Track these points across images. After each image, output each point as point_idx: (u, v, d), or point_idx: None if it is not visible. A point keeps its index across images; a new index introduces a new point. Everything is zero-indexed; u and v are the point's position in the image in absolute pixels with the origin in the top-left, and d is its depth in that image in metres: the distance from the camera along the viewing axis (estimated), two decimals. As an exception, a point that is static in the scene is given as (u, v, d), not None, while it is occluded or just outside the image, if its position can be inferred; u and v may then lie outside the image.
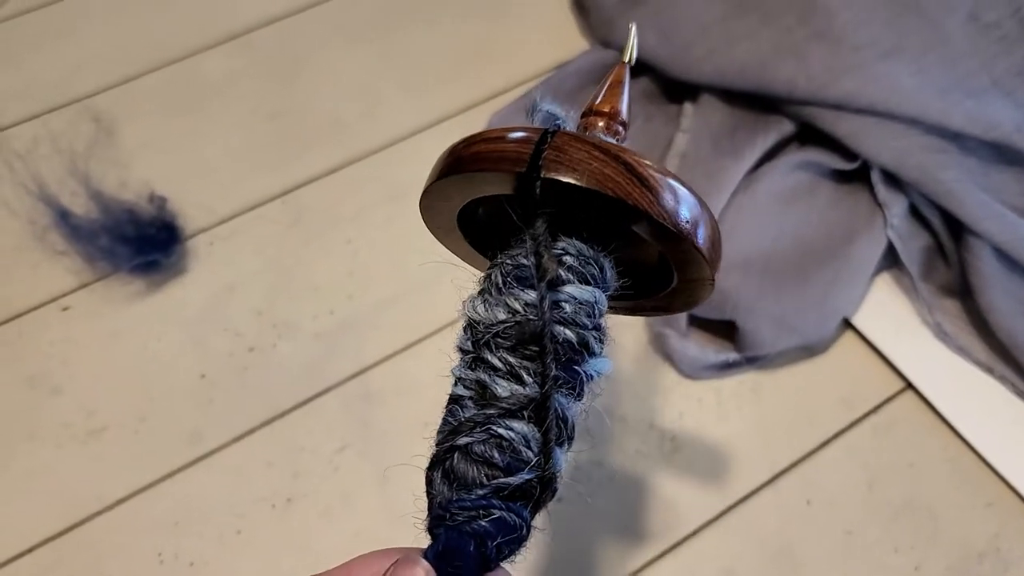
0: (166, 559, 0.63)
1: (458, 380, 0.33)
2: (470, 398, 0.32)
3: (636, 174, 0.30)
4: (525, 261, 0.33)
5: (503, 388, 0.32)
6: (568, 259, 0.33)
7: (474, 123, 0.86)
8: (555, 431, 0.32)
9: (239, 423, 0.69)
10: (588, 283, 0.33)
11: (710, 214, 0.33)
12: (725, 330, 0.72)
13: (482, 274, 0.35)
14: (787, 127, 0.77)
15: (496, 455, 0.31)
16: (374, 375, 0.71)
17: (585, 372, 0.34)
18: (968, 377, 0.70)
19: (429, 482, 0.32)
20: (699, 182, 0.74)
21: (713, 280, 0.35)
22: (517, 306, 0.32)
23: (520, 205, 0.32)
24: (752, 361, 0.71)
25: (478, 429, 0.31)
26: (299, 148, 0.86)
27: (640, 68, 0.85)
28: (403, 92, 0.89)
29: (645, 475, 0.67)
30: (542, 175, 0.30)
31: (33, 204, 0.78)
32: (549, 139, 0.31)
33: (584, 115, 0.38)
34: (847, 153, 0.76)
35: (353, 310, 0.75)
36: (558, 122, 0.33)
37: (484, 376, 0.32)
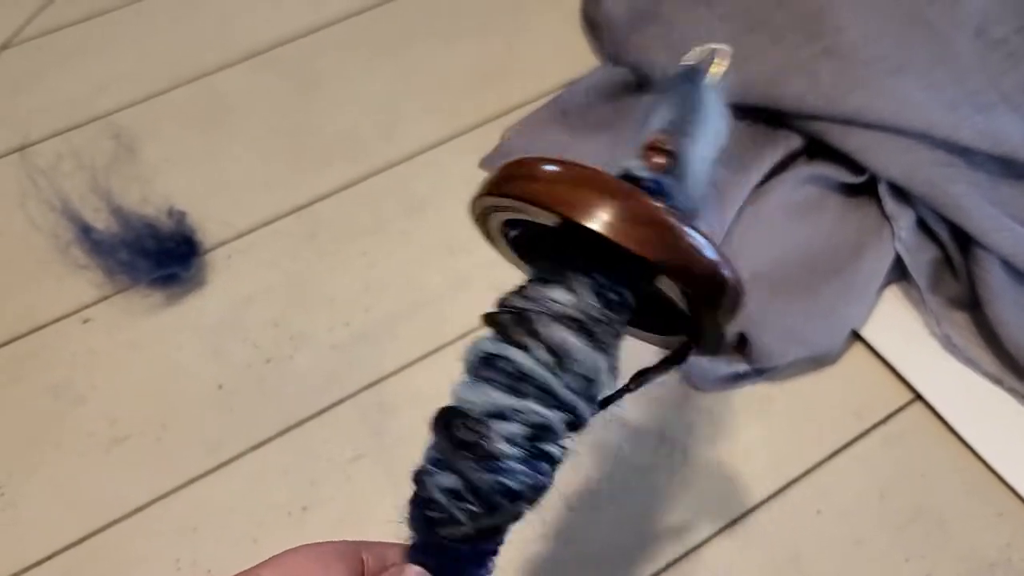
0: (183, 566, 0.64)
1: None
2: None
3: (722, 279, 0.32)
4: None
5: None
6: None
7: (489, 138, 0.88)
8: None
9: (256, 432, 0.70)
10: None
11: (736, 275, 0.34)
12: (735, 342, 0.73)
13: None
14: (795, 141, 0.78)
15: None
16: (389, 386, 0.72)
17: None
18: (977, 389, 0.71)
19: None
20: (709, 195, 0.75)
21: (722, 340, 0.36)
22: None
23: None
24: (762, 373, 0.72)
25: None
26: (316, 163, 0.87)
27: (650, 84, 0.86)
28: (419, 108, 0.91)
29: (655, 486, 0.68)
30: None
31: (56, 219, 0.79)
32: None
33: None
34: (855, 167, 0.77)
35: (369, 322, 0.76)
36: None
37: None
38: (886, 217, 0.75)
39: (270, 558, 0.32)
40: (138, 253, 0.77)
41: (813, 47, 0.79)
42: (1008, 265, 0.71)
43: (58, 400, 0.72)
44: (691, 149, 0.34)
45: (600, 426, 0.72)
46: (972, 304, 0.73)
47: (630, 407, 0.71)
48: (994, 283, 0.70)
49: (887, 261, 0.74)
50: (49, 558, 0.65)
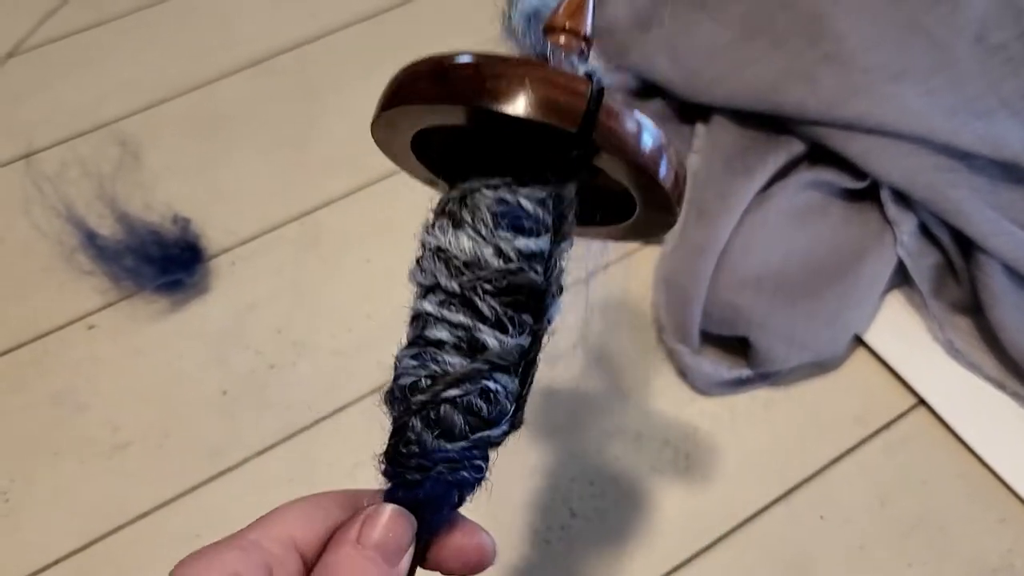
0: (188, 572, 0.64)
1: (432, 319, 0.32)
2: (454, 345, 0.31)
3: (663, 150, 0.30)
4: (511, 200, 0.31)
5: (491, 339, 0.31)
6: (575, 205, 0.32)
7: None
8: (531, 383, 0.32)
9: (259, 439, 0.70)
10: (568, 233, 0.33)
11: (674, 152, 0.32)
12: (738, 347, 0.73)
13: (449, 196, 0.33)
14: (797, 147, 0.78)
15: (484, 408, 0.31)
16: (392, 392, 0.73)
17: (549, 319, 0.33)
18: (980, 393, 0.71)
19: (405, 429, 0.31)
20: (711, 201, 0.76)
21: (675, 217, 0.34)
22: (511, 253, 0.31)
23: (545, 155, 0.30)
24: (765, 377, 0.72)
25: (470, 382, 0.31)
26: (319, 170, 0.88)
27: (653, 91, 0.87)
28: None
29: (659, 491, 0.68)
30: (594, 141, 0.28)
31: (61, 226, 0.80)
32: (597, 98, 0.29)
33: (552, 30, 0.34)
34: (857, 172, 0.77)
35: (371, 329, 0.76)
36: (599, 78, 0.30)
37: (468, 321, 0.31)
38: (888, 222, 0.75)
39: (260, 517, 0.31)
40: (142, 260, 0.77)
41: (814, 53, 0.79)
42: (1010, 270, 0.71)
43: (61, 406, 0.72)
44: None
45: (602, 432, 0.72)
46: (974, 309, 0.73)
47: (634, 413, 0.71)
48: (996, 288, 0.70)
49: (889, 266, 0.74)
50: (52, 565, 0.65)
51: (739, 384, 0.72)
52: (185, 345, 0.76)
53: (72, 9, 1.03)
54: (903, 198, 0.75)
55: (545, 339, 0.33)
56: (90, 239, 0.78)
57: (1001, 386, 0.70)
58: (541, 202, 0.31)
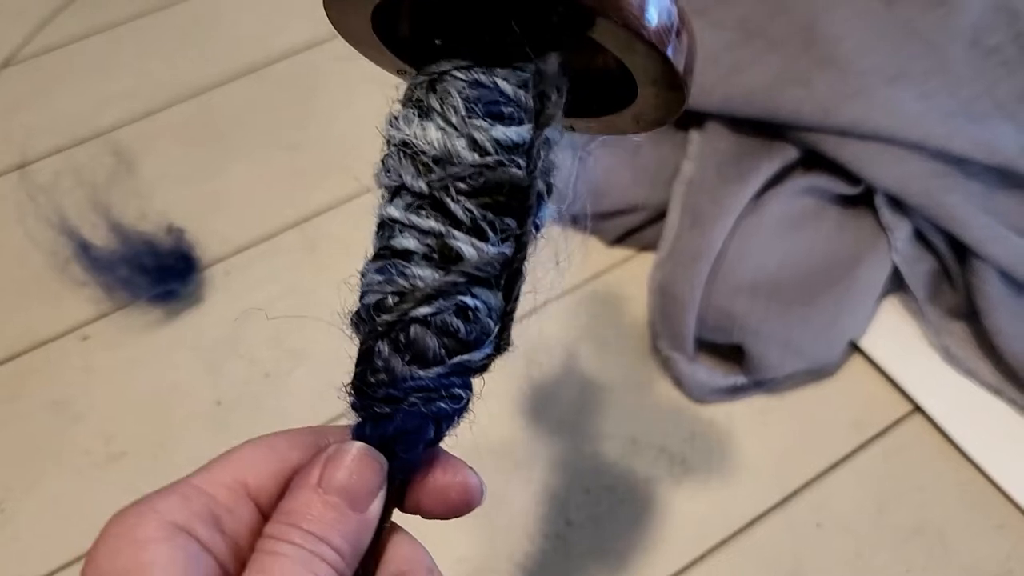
0: (183, 584, 0.64)
1: (399, 226, 0.28)
2: (424, 256, 0.27)
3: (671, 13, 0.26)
4: (488, 83, 0.27)
5: (467, 247, 0.27)
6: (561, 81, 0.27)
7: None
8: (518, 298, 0.28)
9: (254, 449, 0.70)
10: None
11: (685, 15, 0.28)
12: (733, 354, 0.73)
13: (413, 81, 0.28)
14: (792, 153, 0.78)
15: (462, 327, 0.27)
16: (387, 401, 0.72)
17: (539, 222, 0.29)
18: (977, 399, 0.71)
19: (371, 354, 0.28)
20: (705, 207, 0.75)
21: (686, 94, 0.29)
22: (488, 145, 0.26)
23: (519, 23, 0.26)
24: (760, 384, 0.72)
25: (443, 298, 0.27)
26: (314, 178, 0.87)
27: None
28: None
29: (655, 499, 0.68)
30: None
31: (55, 236, 0.80)
32: None
33: None
34: (851, 178, 0.77)
35: (366, 337, 0.76)
36: None
37: (440, 227, 0.27)
38: (883, 228, 0.75)
39: (206, 465, 0.28)
40: (137, 270, 0.77)
41: (809, 57, 0.79)
42: (1005, 275, 0.71)
43: (56, 417, 0.72)
44: None
45: (598, 439, 0.72)
46: (970, 314, 0.73)
47: (630, 420, 0.71)
48: (992, 293, 0.70)
49: (885, 272, 0.74)
50: (48, 575, 0.65)
51: (735, 391, 0.72)
52: (179, 355, 0.76)
53: (67, 19, 1.03)
54: (898, 204, 0.75)
55: (532, 248, 0.29)
56: (84, 250, 0.78)
57: (998, 392, 0.70)
58: (523, 84, 0.27)
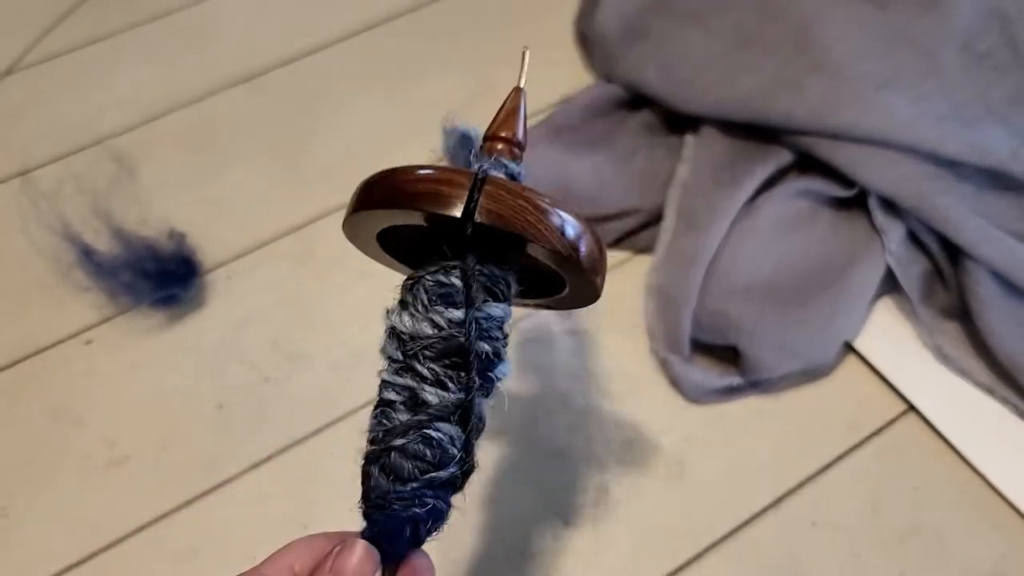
0: (185, 585, 0.65)
1: (387, 384, 0.38)
2: (402, 403, 0.37)
3: (547, 218, 0.35)
4: (446, 281, 0.37)
5: (432, 396, 0.36)
6: (482, 279, 0.38)
7: (482, 157, 0.89)
8: (476, 430, 0.37)
9: (255, 452, 0.71)
10: (498, 300, 0.38)
11: (592, 233, 0.37)
12: (728, 355, 0.74)
13: (403, 284, 0.40)
14: (785, 156, 0.79)
15: (428, 453, 0.36)
16: (386, 404, 0.73)
17: (496, 376, 0.39)
18: (970, 399, 0.71)
19: (367, 475, 0.37)
20: (700, 211, 0.76)
21: (598, 287, 0.40)
22: (443, 323, 0.37)
23: (446, 239, 0.37)
24: (756, 385, 0.72)
25: (412, 432, 0.36)
26: (313, 183, 0.88)
27: (642, 101, 0.87)
28: (412, 128, 0.92)
29: (651, 499, 0.68)
30: (476, 220, 0.34)
31: (58, 243, 0.80)
32: (480, 185, 0.35)
33: (487, 139, 0.42)
34: (845, 180, 0.77)
35: (366, 341, 0.77)
36: (483, 167, 0.37)
37: (413, 383, 0.37)
38: (876, 230, 0.76)
39: (269, 556, 0.37)
40: (139, 275, 0.78)
41: (802, 62, 0.80)
42: (997, 276, 0.71)
43: (58, 422, 0.73)
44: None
45: (594, 441, 0.73)
46: (963, 315, 0.73)
47: (626, 421, 0.72)
48: (984, 294, 0.71)
49: (878, 273, 0.75)
50: (51, 579, 0.65)
51: (730, 392, 0.72)
52: (181, 359, 0.77)
53: (68, 27, 1.04)
54: (891, 206, 0.76)
55: (484, 393, 0.38)
56: (86, 255, 0.79)
57: (991, 391, 0.71)
58: (463, 284, 0.37)
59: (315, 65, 0.99)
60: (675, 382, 0.72)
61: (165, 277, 0.78)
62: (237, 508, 0.68)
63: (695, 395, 0.72)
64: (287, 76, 0.98)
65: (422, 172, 0.37)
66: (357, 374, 0.75)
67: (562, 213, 0.36)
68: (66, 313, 0.79)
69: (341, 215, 0.86)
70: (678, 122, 0.85)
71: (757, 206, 0.77)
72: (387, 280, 0.80)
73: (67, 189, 0.86)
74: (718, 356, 0.74)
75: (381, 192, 0.37)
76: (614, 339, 0.76)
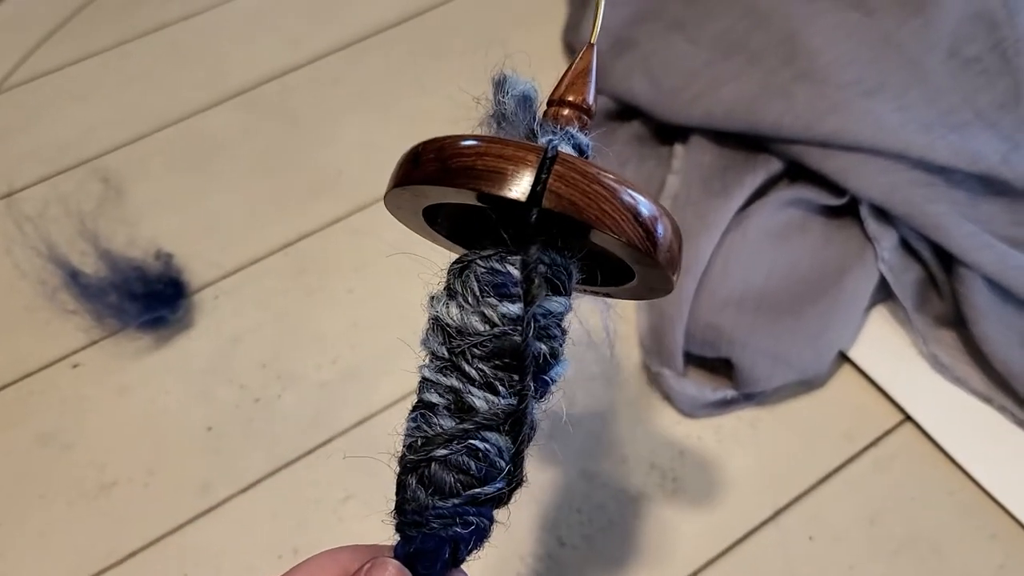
0: (175, 612, 0.64)
1: (429, 383, 0.34)
2: (445, 407, 0.33)
3: (626, 209, 0.31)
4: (502, 269, 0.33)
5: (480, 400, 0.32)
6: (543, 269, 0.33)
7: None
8: (527, 440, 0.33)
9: (246, 474, 0.70)
10: (559, 292, 0.34)
11: (672, 226, 0.34)
12: (722, 368, 0.73)
13: (450, 267, 0.35)
14: (775, 165, 0.78)
15: (472, 466, 0.32)
16: (378, 423, 0.72)
17: (551, 378, 0.34)
18: (966, 407, 0.71)
19: (403, 486, 0.33)
20: (690, 222, 0.76)
21: (672, 282, 0.36)
22: (495, 318, 0.32)
23: (504, 222, 0.33)
24: (750, 398, 0.72)
25: (456, 442, 0.32)
26: (301, 200, 0.88)
27: (631, 112, 0.87)
28: (401, 143, 0.91)
29: (647, 515, 0.68)
30: (543, 206, 0.30)
31: (43, 265, 0.80)
32: (549, 164, 0.31)
33: (552, 103, 0.37)
34: (836, 189, 0.77)
35: (356, 359, 0.76)
36: (552, 140, 0.32)
37: (459, 384, 0.33)
38: (868, 238, 0.75)
39: (290, 570, 0.34)
40: (126, 296, 0.77)
41: (789, 71, 0.79)
42: (991, 283, 0.71)
43: (47, 447, 0.72)
44: None
45: (589, 458, 0.72)
46: (958, 322, 0.73)
47: (621, 437, 0.71)
48: (978, 301, 0.70)
49: (871, 282, 0.74)
50: (39, 608, 0.64)
51: (724, 405, 0.72)
52: (170, 381, 0.76)
53: (53, 47, 1.03)
54: (883, 214, 0.75)
55: (537, 398, 0.34)
56: (73, 277, 0.78)
57: (987, 400, 0.70)
58: (523, 276, 0.33)
59: (302, 80, 0.99)
60: (669, 396, 0.72)
61: (152, 298, 0.77)
62: (227, 532, 0.68)
63: (689, 409, 0.71)
64: (274, 91, 0.98)
65: (480, 144, 0.31)
66: (348, 393, 0.74)
67: (645, 204, 0.32)
68: (53, 336, 0.78)
69: (331, 231, 0.87)
70: (667, 132, 0.85)
71: (748, 216, 0.77)
72: (376, 297, 0.80)
73: (53, 211, 0.85)
74: (712, 369, 0.74)
75: (431, 166, 0.32)
76: (606, 354, 0.76)
